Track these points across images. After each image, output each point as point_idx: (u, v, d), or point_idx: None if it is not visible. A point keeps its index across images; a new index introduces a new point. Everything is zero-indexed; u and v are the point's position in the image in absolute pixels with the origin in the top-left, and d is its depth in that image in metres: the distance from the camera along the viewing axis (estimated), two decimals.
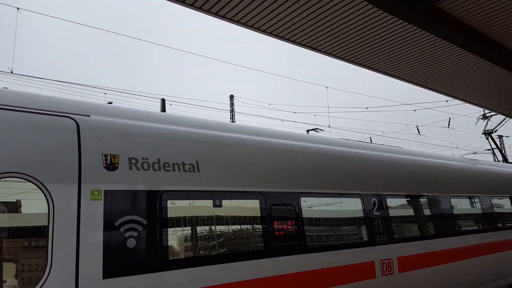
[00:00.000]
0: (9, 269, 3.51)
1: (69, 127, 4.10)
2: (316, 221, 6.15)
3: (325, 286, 5.73)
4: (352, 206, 6.81)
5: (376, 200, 7.10)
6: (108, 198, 4.10)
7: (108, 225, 4.03)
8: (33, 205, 3.77)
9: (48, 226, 3.67)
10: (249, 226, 5.30)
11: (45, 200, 3.71)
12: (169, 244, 4.46)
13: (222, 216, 5.03)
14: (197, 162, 4.94)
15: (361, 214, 6.78)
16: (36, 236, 3.73)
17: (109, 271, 3.93)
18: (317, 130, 30.14)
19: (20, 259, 3.59)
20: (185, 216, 4.76)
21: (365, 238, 6.64)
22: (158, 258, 4.29)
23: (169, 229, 4.53)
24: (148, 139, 4.65)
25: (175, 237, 4.60)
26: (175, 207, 4.65)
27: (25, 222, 3.75)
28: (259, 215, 5.35)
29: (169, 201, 4.58)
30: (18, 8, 16.19)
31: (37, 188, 3.69)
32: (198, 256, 4.69)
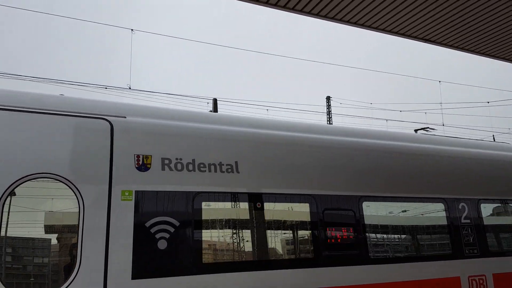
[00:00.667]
0: (39, 266, 3.68)
1: (103, 129, 4.19)
2: (382, 229, 5.43)
3: None
4: (432, 213, 5.89)
5: (465, 206, 6.03)
6: (139, 199, 4.08)
7: (139, 226, 4.00)
8: (65, 205, 3.90)
9: (78, 225, 3.77)
10: (296, 232, 4.87)
11: (76, 200, 3.82)
12: (202, 247, 4.27)
13: (262, 220, 4.69)
14: (236, 162, 4.69)
15: (443, 222, 5.82)
16: (66, 235, 3.85)
17: (139, 272, 3.88)
18: (427, 129, 27.42)
19: (50, 257, 3.74)
20: (221, 219, 4.53)
21: (449, 249, 5.67)
22: (190, 261, 4.14)
23: (203, 232, 4.35)
24: (183, 139, 4.55)
25: (209, 241, 4.40)
26: (210, 209, 4.46)
27: (57, 220, 3.90)
28: (309, 220, 4.89)
29: (203, 203, 4.40)
30: (132, 30, 17.99)
31: (68, 188, 3.81)
32: (233, 262, 4.43)
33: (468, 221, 6.01)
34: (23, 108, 3.97)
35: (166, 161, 4.32)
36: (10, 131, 3.83)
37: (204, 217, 4.37)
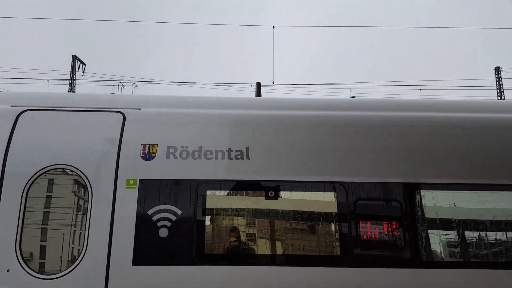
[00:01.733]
0: (48, 249, 4.14)
1: (116, 121, 4.45)
2: (442, 225, 4.29)
3: None
4: None
5: None
6: (142, 187, 4.20)
7: (141, 214, 4.12)
8: (78, 192, 4.30)
9: (86, 212, 4.11)
10: (317, 225, 4.25)
11: (86, 188, 4.17)
12: (205, 237, 4.13)
13: (275, 210, 4.24)
14: (247, 148, 4.37)
15: None
16: (78, 220, 4.23)
17: (139, 258, 4.00)
18: None
19: (60, 241, 4.17)
20: (227, 208, 4.28)
21: None
22: (190, 251, 4.05)
23: (206, 222, 4.19)
24: (190, 126, 4.48)
25: (212, 231, 4.21)
26: (215, 198, 4.27)
27: (70, 207, 4.31)
28: (335, 211, 4.21)
29: (208, 191, 4.24)
30: (273, 26, 18.91)
31: (80, 177, 4.20)
32: (237, 254, 4.14)
33: None
34: (51, 107, 4.54)
35: (172, 150, 4.32)
36: (38, 128, 4.43)
37: (208, 206, 4.21)
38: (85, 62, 34.91)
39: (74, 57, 34.63)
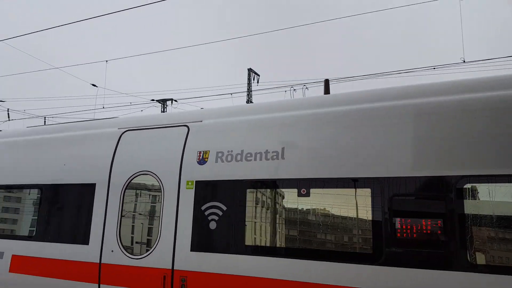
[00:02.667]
0: (135, 235, 5.34)
1: (182, 133, 5.41)
2: (493, 223, 3.66)
3: None
4: None
5: None
6: (198, 187, 5.01)
7: (196, 209, 4.95)
8: (157, 193, 5.42)
9: (161, 208, 5.19)
10: (348, 221, 4.22)
11: (160, 189, 5.26)
12: (245, 230, 4.65)
13: (307, 207, 4.41)
14: (282, 148, 4.67)
15: None
16: (157, 215, 5.33)
17: (195, 245, 4.84)
18: None
19: (143, 230, 5.32)
20: (263, 205, 4.67)
21: None
22: (233, 242, 4.65)
23: (247, 217, 4.69)
24: (235, 132, 5.04)
25: (252, 225, 4.67)
26: (255, 196, 4.72)
27: (149, 204, 5.43)
28: (370, 208, 4.12)
29: (248, 190, 4.74)
30: None
31: (156, 180, 5.32)
32: (274, 247, 4.50)
33: None
34: (142, 127, 5.84)
35: (220, 154, 5.01)
36: (132, 144, 5.76)
37: (248, 203, 4.71)
38: (258, 73, 38.63)
39: (249, 70, 38.69)
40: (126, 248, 5.29)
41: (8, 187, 6.56)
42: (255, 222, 4.70)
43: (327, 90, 13.40)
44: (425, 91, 4.39)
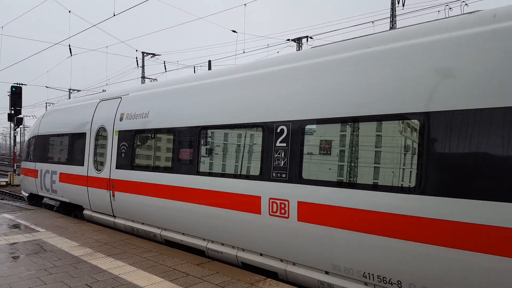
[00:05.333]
0: None
1: (117, 102, 9.68)
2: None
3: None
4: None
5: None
6: (119, 134, 9.08)
7: (118, 146, 9.15)
8: (106, 138, 8.58)
9: (106, 146, 8.58)
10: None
11: (107, 136, 8.61)
12: (133, 157, 8.81)
13: (153, 144, 8.31)
14: (148, 111, 8.43)
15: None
16: (106, 150, 8.35)
17: (117, 165, 9.18)
18: None
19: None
20: (141, 142, 8.70)
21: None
22: (129, 163, 8.87)
23: (135, 149, 8.74)
24: (135, 102, 9.03)
25: (136, 153, 8.77)
26: (138, 138, 8.65)
27: (105, 145, 8.59)
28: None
29: (136, 135, 8.61)
30: None
31: (105, 131, 8.36)
32: (146, 166, 8.47)
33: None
34: (105, 98, 9.56)
35: (127, 115, 9.22)
36: (100, 110, 9.04)
37: (135, 142, 8.58)
38: None
39: None
40: (95, 168, 9.57)
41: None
42: (137, 152, 8.51)
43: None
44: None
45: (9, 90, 23.48)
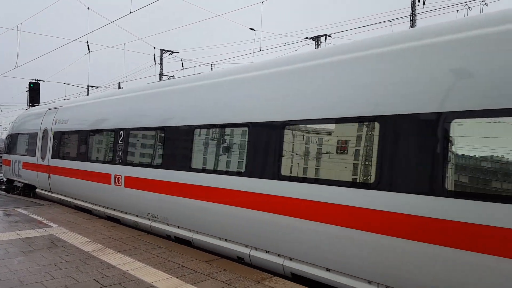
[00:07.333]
0: None
1: (55, 111, 13.80)
2: None
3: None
4: None
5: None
6: (54, 134, 12.93)
7: (53, 142, 13.11)
8: (48, 137, 11.27)
9: (48, 142, 13.05)
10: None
11: (49, 135, 10.89)
12: (61, 149, 12.64)
13: (71, 141, 12.08)
14: (69, 119, 12.27)
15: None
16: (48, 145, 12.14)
17: (53, 156, 13.05)
18: None
19: None
20: (66, 141, 12.30)
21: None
22: (61, 153, 12.46)
23: (62, 144, 12.50)
24: (62, 112, 12.99)
25: (62, 147, 12.58)
26: (63, 136, 12.46)
27: (47, 141, 13.13)
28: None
29: (61, 135, 12.44)
30: None
31: (47, 132, 11.33)
32: (72, 156, 11.94)
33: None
34: (51, 108, 13.31)
35: (58, 121, 13.42)
36: (46, 116, 13.97)
37: (62, 140, 12.37)
38: None
39: None
40: (41, 158, 13.61)
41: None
42: (64, 147, 12.17)
43: None
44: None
45: (27, 86, 23.94)
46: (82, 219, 10.00)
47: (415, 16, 32.55)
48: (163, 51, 38.24)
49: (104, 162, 10.01)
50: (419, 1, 32.39)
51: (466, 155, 3.93)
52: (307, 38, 32.23)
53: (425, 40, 4.54)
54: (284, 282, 5.38)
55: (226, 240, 6.68)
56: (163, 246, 7.36)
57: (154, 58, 37.79)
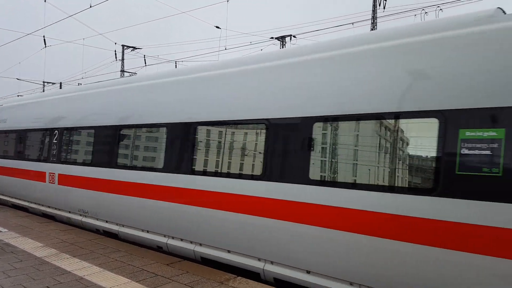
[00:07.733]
0: None
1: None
2: None
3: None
4: None
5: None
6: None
7: None
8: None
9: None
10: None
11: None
12: (17, 147, 11.77)
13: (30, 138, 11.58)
14: (6, 119, 12.56)
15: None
16: None
17: None
18: None
19: None
20: (16, 139, 11.79)
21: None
22: (21, 153, 11.47)
23: (18, 140, 11.74)
24: (4, 112, 12.91)
25: (18, 145, 11.74)
26: (16, 136, 11.92)
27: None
28: None
29: (11, 134, 11.93)
30: None
31: None
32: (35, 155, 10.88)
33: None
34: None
35: (1, 120, 10.32)
36: None
37: (18, 140, 11.82)
38: None
39: None
40: None
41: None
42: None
43: None
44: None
45: None
46: (35, 223, 9.47)
47: (376, 19, 33.48)
48: (125, 47, 37.18)
49: (39, 160, 10.42)
50: (379, 5, 33.30)
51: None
52: (272, 38, 32.45)
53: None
54: (247, 282, 5.30)
55: (147, 231, 7.26)
56: (122, 250, 7.08)
57: (115, 54, 36.67)
